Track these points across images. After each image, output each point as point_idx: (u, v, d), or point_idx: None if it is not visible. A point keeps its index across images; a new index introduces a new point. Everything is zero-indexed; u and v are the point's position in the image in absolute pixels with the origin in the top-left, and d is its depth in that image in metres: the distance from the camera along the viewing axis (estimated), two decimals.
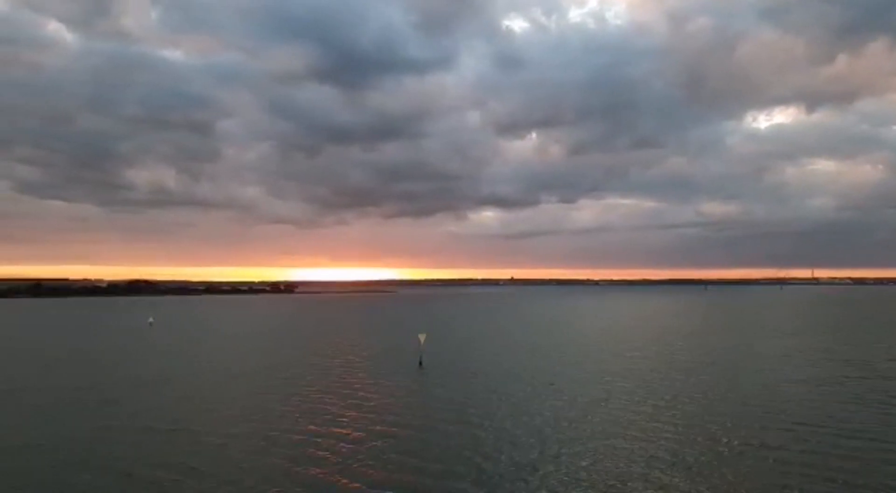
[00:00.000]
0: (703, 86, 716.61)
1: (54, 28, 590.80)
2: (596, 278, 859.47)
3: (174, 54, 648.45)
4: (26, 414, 41.81)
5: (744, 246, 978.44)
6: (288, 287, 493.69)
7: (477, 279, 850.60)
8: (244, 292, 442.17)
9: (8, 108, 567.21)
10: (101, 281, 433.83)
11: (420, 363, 63.10)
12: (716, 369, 59.06)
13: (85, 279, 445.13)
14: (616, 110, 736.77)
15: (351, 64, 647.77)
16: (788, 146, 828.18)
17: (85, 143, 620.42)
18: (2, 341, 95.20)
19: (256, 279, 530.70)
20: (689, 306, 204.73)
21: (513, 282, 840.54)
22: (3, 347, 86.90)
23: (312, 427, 37.14)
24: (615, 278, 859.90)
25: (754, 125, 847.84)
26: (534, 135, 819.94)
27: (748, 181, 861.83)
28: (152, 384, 53.08)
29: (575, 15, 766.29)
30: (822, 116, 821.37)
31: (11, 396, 48.34)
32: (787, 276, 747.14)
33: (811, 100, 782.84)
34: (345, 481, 27.48)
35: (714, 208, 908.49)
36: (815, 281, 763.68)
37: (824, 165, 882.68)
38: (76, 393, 49.02)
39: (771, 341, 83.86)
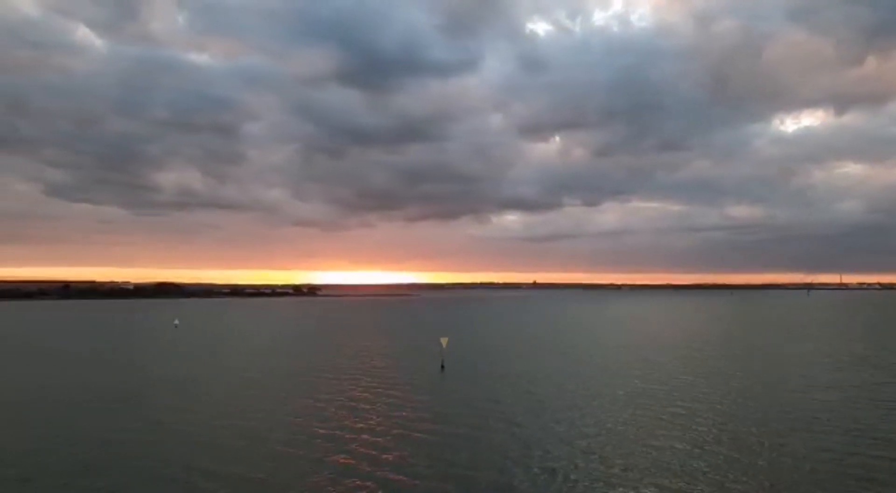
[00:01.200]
0: (730, 88, 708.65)
1: (83, 33, 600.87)
2: (619, 282, 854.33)
3: (200, 58, 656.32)
4: (63, 412, 42.57)
5: (770, 250, 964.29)
6: (311, 290, 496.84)
7: (499, 283, 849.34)
8: (267, 294, 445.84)
9: (38, 111, 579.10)
10: (127, 283, 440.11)
11: (442, 367, 63.12)
12: (744, 374, 58.30)
13: (112, 281, 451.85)
14: (641, 112, 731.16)
15: (375, 66, 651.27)
16: (816, 149, 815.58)
17: (112, 145, 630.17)
18: (34, 343, 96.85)
19: (280, 282, 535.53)
20: (714, 311, 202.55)
21: (535, 286, 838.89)
22: (36, 348, 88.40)
23: (334, 431, 37.30)
24: (639, 282, 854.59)
25: (781, 128, 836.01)
26: (557, 137, 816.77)
27: (775, 184, 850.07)
28: (178, 385, 53.72)
29: (599, 17, 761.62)
30: (851, 119, 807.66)
31: (46, 394, 49.29)
32: (814, 281, 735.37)
33: (840, 102, 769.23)
34: (367, 483, 27.61)
35: (740, 212, 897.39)
36: (843, 286, 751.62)
37: (853, 169, 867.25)
38: (106, 393, 49.76)
39: (799, 347, 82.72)
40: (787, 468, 29.31)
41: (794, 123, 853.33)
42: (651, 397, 47.46)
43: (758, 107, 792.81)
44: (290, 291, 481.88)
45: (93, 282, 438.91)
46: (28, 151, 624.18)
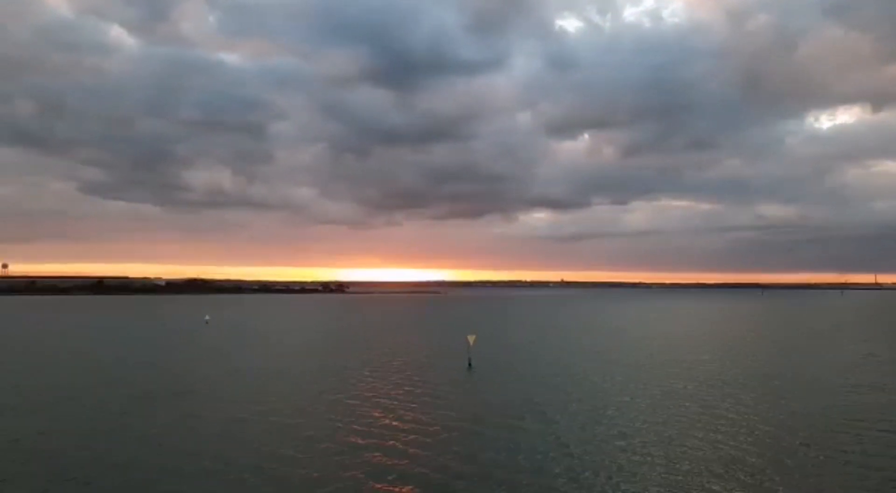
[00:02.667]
0: (763, 85, 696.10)
1: (116, 33, 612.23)
2: (648, 281, 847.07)
3: (230, 58, 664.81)
4: (104, 407, 43.13)
5: (803, 250, 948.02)
6: (339, 287, 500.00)
7: (526, 281, 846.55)
8: (296, 291, 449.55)
9: (73, 111, 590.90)
10: (159, 279, 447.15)
11: (469, 365, 62.83)
12: (781, 374, 57.09)
13: (144, 278, 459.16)
14: (671, 111, 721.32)
15: (402, 66, 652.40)
16: (852, 147, 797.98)
17: (145, 145, 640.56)
18: (72, 339, 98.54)
19: (308, 279, 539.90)
20: (746, 311, 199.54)
21: (563, 284, 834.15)
22: (73, 344, 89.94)
23: (369, 428, 37.20)
24: (668, 281, 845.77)
25: (816, 125, 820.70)
26: (586, 136, 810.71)
27: (808, 183, 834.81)
28: (213, 381, 54.17)
29: (630, 14, 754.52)
30: (887, 116, 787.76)
31: (86, 390, 49.99)
32: (848, 281, 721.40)
33: (877, 99, 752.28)
34: (408, 481, 27.45)
35: (772, 211, 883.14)
36: (878, 286, 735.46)
37: (889, 167, 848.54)
38: (144, 388, 50.37)
39: (835, 347, 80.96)
40: (835, 472, 28.54)
41: (829, 121, 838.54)
42: (688, 396, 46.62)
43: (791, 104, 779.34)
44: (319, 288, 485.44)
45: (125, 278, 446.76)
46: (64, 151, 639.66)
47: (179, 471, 28.87)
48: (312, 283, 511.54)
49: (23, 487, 26.92)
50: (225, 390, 49.74)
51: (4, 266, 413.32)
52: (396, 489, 26.56)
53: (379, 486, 26.91)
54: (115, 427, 37.33)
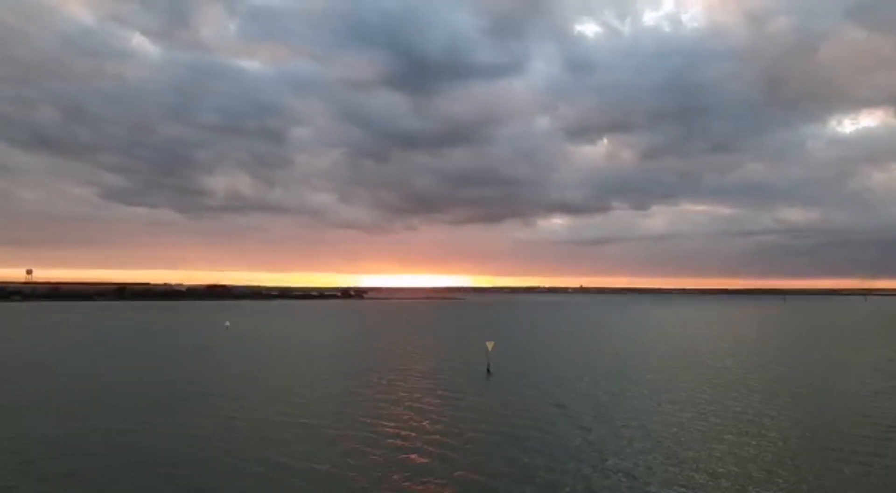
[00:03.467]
0: (783, 88, 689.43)
1: (137, 40, 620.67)
2: (668, 287, 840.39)
3: (250, 64, 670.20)
4: (135, 409, 43.91)
5: (826, 255, 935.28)
6: (357, 293, 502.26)
7: (545, 287, 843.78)
8: (315, 297, 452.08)
9: (95, 117, 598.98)
10: (180, 285, 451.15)
11: (488, 371, 63.05)
12: (806, 379, 56.80)
13: (166, 284, 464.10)
14: (691, 114, 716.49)
15: (420, 70, 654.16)
16: (875, 150, 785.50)
17: (165, 150, 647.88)
18: (98, 343, 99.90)
19: (327, 285, 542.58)
20: (767, 317, 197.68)
21: (582, 290, 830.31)
22: (101, 348, 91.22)
23: (398, 431, 37.65)
24: (688, 287, 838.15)
25: (838, 129, 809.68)
26: (605, 140, 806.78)
27: (831, 187, 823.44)
28: (239, 385, 54.84)
29: (649, 18, 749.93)
30: None
31: (118, 391, 50.86)
32: (872, 286, 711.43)
33: None
34: (427, 484, 27.82)
35: (794, 215, 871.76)
36: None
37: None
38: (173, 391, 51.18)
39: (860, 352, 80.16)
40: (863, 476, 28.55)
41: (852, 124, 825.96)
42: (715, 401, 46.69)
43: (813, 108, 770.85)
44: (338, 293, 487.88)
45: (146, 284, 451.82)
46: (85, 157, 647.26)
47: (215, 469, 29.59)
48: (331, 288, 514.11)
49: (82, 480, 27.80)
50: (253, 393, 50.38)
51: (29, 272, 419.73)
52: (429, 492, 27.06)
53: (413, 488, 27.37)
54: (149, 428, 38.03)
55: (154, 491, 27.38)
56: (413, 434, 36.93)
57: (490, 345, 67.56)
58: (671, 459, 31.67)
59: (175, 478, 28.78)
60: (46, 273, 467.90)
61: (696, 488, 27.24)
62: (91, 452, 33.23)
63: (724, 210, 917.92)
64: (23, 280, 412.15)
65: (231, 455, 32.33)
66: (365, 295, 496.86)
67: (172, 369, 65.84)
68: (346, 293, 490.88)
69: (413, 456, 32.13)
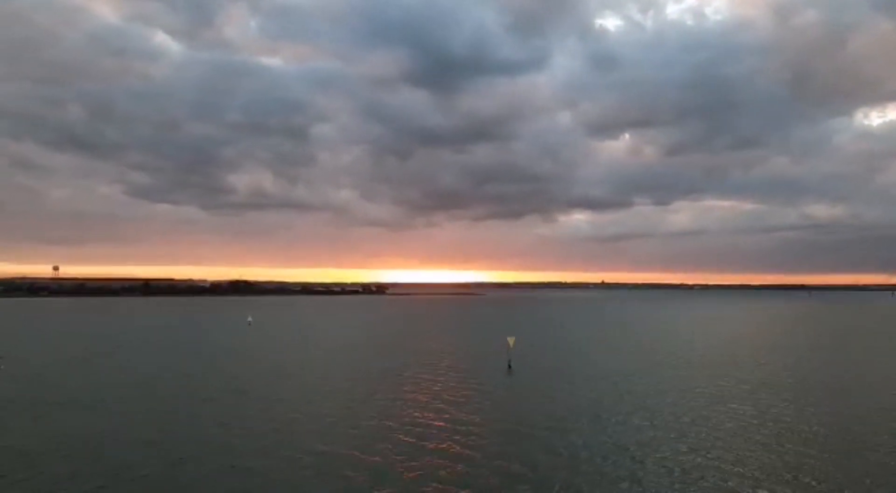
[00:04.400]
0: (810, 82, 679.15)
1: (161, 39, 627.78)
2: (690, 282, 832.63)
3: (273, 61, 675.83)
4: (174, 403, 44.48)
5: (852, 250, 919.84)
6: (379, 289, 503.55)
7: (566, 283, 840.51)
8: (337, 293, 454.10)
9: (122, 116, 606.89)
10: (204, 281, 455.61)
11: (509, 367, 62.87)
12: (840, 375, 55.98)
13: (189, 280, 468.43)
14: (715, 109, 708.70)
15: (443, 67, 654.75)
16: None
17: (190, 148, 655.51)
18: (129, 340, 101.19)
19: (349, 280, 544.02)
20: (792, 312, 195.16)
21: (603, 286, 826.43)
22: (131, 344, 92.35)
23: (411, 429, 37.62)
24: (711, 282, 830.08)
25: (866, 122, 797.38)
26: (627, 135, 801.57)
27: (858, 182, 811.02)
28: (269, 383, 55.22)
29: (672, 11, 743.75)
30: None
31: (157, 387, 51.45)
32: None
33: None
34: (452, 481, 27.81)
35: (820, 211, 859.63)
36: None
37: None
38: (209, 385, 51.79)
39: (885, 349, 78.85)
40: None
41: (880, 117, 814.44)
42: (741, 399, 45.97)
43: (840, 101, 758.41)
44: (359, 289, 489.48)
45: (171, 280, 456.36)
46: (112, 155, 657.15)
47: (269, 458, 29.74)
48: (353, 284, 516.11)
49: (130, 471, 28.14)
50: (287, 391, 50.54)
51: (55, 269, 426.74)
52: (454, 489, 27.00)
53: (437, 486, 27.36)
54: (187, 425, 38.43)
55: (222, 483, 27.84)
56: (434, 433, 36.91)
57: (511, 341, 67.32)
58: (698, 457, 31.29)
59: (239, 472, 29.26)
60: (73, 270, 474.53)
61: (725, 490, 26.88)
62: (144, 442, 33.75)
63: (748, 206, 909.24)
64: (49, 276, 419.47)
65: (285, 448, 33.00)
66: (386, 291, 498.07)
67: (204, 366, 66.40)
68: (367, 289, 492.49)
69: (431, 456, 32.11)
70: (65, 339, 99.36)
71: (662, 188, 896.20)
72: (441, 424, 38.93)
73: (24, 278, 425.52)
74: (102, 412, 42.32)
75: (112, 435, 35.96)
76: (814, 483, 27.28)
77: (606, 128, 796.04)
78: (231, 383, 53.94)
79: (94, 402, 45.84)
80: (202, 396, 48.27)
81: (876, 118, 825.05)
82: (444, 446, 33.58)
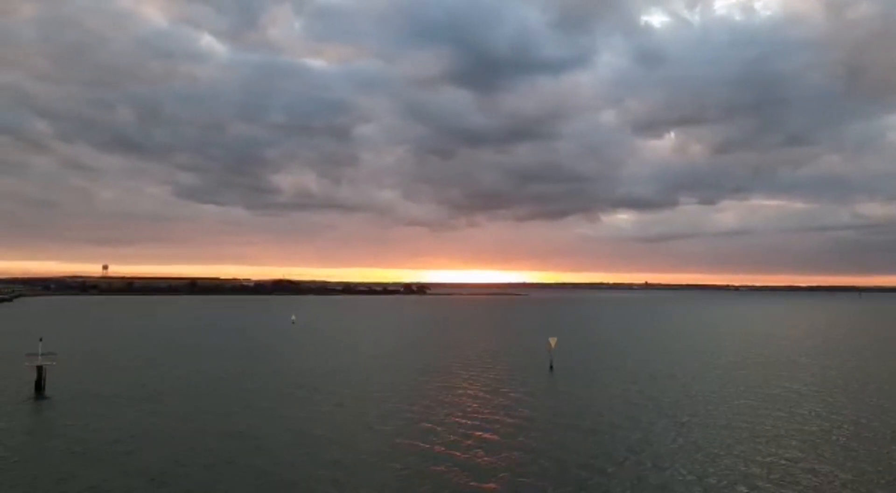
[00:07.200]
0: (864, 78, 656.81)
1: (207, 41, 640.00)
2: (736, 283, 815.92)
3: (316, 62, 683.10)
4: (239, 399, 45.69)
5: None
6: (420, 288, 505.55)
7: (609, 283, 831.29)
8: (378, 292, 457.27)
9: (169, 118, 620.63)
10: (248, 281, 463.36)
11: (550, 367, 62.68)
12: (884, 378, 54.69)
13: (234, 279, 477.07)
14: (765, 106, 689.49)
15: (486, 66, 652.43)
16: None
17: (236, 149, 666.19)
18: (184, 338, 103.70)
19: (391, 280, 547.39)
20: (843, 313, 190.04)
21: (647, 286, 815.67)
22: (186, 342, 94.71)
23: (441, 432, 38.07)
24: (757, 284, 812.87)
25: None
26: (672, 133, 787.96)
27: None
28: (321, 381, 56.21)
29: (720, 6, 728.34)
30: None
31: (223, 382, 52.94)
32: None
33: None
34: (472, 480, 28.01)
35: (873, 210, 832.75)
36: None
37: None
38: (268, 384, 53.11)
39: None
40: None
41: None
42: (796, 402, 45.27)
43: (894, 97, 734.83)
44: (401, 289, 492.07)
45: (217, 279, 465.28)
46: (160, 157, 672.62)
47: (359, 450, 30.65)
48: (394, 284, 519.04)
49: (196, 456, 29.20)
50: (339, 389, 51.60)
51: (105, 268, 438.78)
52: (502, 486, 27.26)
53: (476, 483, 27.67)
54: (267, 418, 39.72)
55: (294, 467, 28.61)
56: (481, 430, 37.41)
57: (553, 341, 67.06)
58: (757, 460, 30.84)
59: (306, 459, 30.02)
60: (121, 269, 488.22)
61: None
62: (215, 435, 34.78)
63: (798, 205, 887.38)
64: (99, 275, 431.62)
65: (364, 437, 33.78)
66: (427, 291, 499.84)
67: (244, 365, 67.72)
68: (408, 289, 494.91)
69: (479, 452, 32.55)
70: (118, 338, 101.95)
71: (708, 187, 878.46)
72: (479, 425, 39.24)
73: (75, 277, 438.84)
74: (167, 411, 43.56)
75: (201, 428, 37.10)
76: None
77: (651, 126, 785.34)
78: (297, 382, 55.16)
79: (160, 396, 47.55)
80: (270, 395, 49.47)
81: None
82: (495, 438, 33.97)
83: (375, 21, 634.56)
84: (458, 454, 32.25)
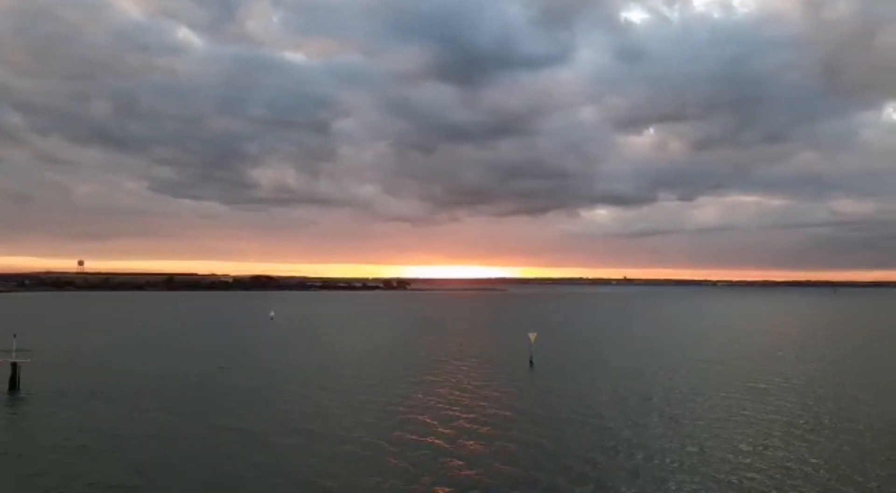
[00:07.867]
0: (839, 76, 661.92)
1: (184, 34, 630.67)
2: (714, 278, 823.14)
3: (296, 56, 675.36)
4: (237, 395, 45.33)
5: (881, 247, 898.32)
6: (401, 284, 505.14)
7: (589, 279, 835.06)
8: (358, 288, 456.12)
9: (148, 111, 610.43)
10: (226, 276, 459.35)
11: (531, 363, 62.89)
12: (858, 373, 55.57)
13: (212, 274, 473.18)
14: (743, 104, 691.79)
15: (468, 62, 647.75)
16: None
17: (215, 144, 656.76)
18: (161, 336, 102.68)
19: (371, 276, 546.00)
20: (817, 309, 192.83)
21: (626, 282, 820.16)
22: (161, 340, 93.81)
23: (436, 425, 38.18)
24: (735, 279, 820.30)
25: (895, 116, 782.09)
26: (652, 130, 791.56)
27: (887, 177, 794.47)
28: (307, 377, 55.99)
29: (699, 4, 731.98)
30: None
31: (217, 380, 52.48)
32: None
33: None
34: (466, 473, 28.04)
35: (848, 206, 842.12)
36: None
37: None
38: (262, 381, 52.69)
39: None
40: None
41: None
42: (774, 395, 45.87)
43: (870, 95, 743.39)
44: (381, 284, 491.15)
45: (194, 274, 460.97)
46: (138, 151, 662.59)
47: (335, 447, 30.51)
48: (374, 280, 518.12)
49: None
50: (329, 384, 51.40)
51: (80, 263, 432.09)
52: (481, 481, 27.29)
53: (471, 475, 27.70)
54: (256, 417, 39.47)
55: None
56: (458, 429, 37.58)
57: (533, 336, 67.23)
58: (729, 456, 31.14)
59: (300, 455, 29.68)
60: (98, 264, 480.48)
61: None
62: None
63: (775, 201, 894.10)
64: (75, 271, 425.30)
65: (331, 436, 33.95)
66: (408, 286, 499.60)
67: (240, 359, 67.29)
68: (389, 284, 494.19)
69: (457, 451, 32.60)
70: (96, 334, 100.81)
71: (688, 183, 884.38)
72: (468, 417, 39.49)
73: (49, 273, 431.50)
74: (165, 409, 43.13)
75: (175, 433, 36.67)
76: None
77: (631, 123, 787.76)
78: (287, 379, 54.71)
79: (157, 391, 47.09)
80: (259, 392, 48.99)
81: None
82: (452, 441, 34.22)
83: (356, 15, 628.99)
84: (428, 453, 32.27)
